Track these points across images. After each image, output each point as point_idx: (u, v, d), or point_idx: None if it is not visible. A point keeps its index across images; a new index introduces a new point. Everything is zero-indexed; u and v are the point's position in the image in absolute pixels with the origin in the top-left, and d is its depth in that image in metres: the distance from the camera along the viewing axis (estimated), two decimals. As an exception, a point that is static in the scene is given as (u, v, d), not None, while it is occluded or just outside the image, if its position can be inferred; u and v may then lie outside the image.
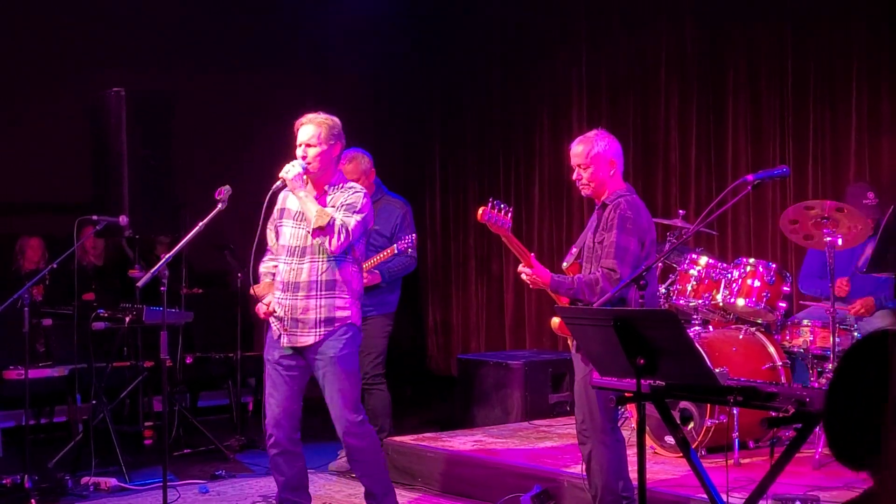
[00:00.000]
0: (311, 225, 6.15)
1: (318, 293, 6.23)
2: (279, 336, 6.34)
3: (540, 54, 12.16)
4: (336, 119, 6.36)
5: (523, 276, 5.98)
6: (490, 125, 12.68)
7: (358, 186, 6.42)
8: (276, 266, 6.46)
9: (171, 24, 11.76)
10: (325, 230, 6.11)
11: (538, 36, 12.18)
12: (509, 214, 5.97)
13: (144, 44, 11.55)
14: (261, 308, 6.42)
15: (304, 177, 6.25)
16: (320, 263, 6.23)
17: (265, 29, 12.45)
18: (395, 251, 7.88)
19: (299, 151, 6.28)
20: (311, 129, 6.26)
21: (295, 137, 6.35)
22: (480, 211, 5.93)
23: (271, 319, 6.38)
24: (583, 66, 11.66)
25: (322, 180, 6.33)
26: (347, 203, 6.22)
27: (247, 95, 12.14)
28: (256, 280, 6.63)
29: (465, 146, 12.95)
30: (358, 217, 6.20)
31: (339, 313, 6.25)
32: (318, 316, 6.23)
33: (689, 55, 10.70)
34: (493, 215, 5.94)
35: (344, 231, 6.12)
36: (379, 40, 13.05)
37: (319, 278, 6.23)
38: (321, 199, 6.28)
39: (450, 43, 13.12)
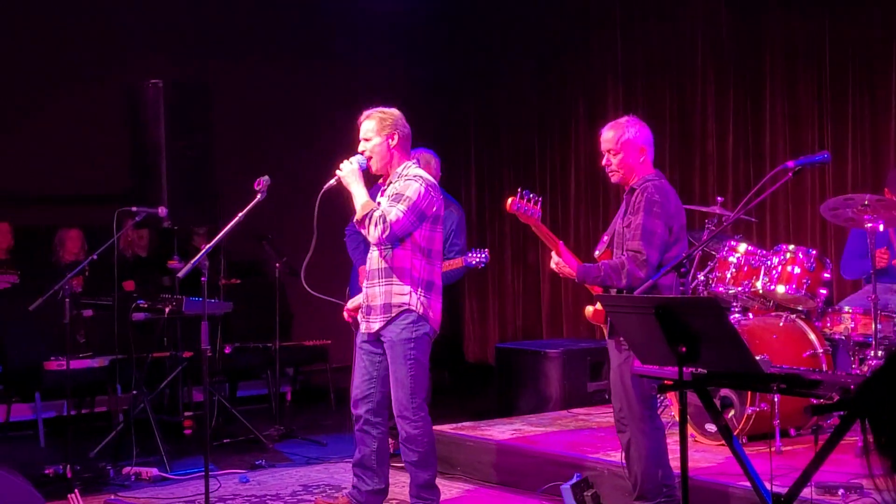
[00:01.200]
0: (357, 214, 6.30)
1: (380, 280, 6.38)
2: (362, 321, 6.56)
3: (575, 42, 12.11)
4: (391, 111, 6.46)
5: (553, 266, 6.00)
6: (525, 114, 12.65)
7: (417, 173, 6.40)
8: None
9: (208, 16, 11.81)
10: (359, 219, 6.26)
11: (573, 23, 12.14)
12: (538, 204, 5.97)
13: (182, 35, 11.59)
14: (347, 307, 6.72)
15: (360, 172, 6.36)
16: (379, 251, 6.37)
17: (300, 20, 12.46)
18: (464, 264, 7.91)
19: (360, 146, 6.42)
20: (366, 124, 6.40)
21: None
22: (509, 201, 5.95)
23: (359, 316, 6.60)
24: (618, 53, 11.62)
25: (386, 171, 6.43)
26: (395, 193, 6.30)
27: (283, 86, 12.17)
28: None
29: (499, 135, 12.92)
30: (402, 206, 6.22)
31: (396, 299, 6.33)
32: (380, 302, 6.37)
33: (725, 40, 10.63)
34: (522, 205, 5.94)
35: (381, 221, 6.18)
36: (412, 30, 13.04)
37: (380, 266, 6.37)
38: (387, 187, 6.42)
39: (484, 31, 13.09)
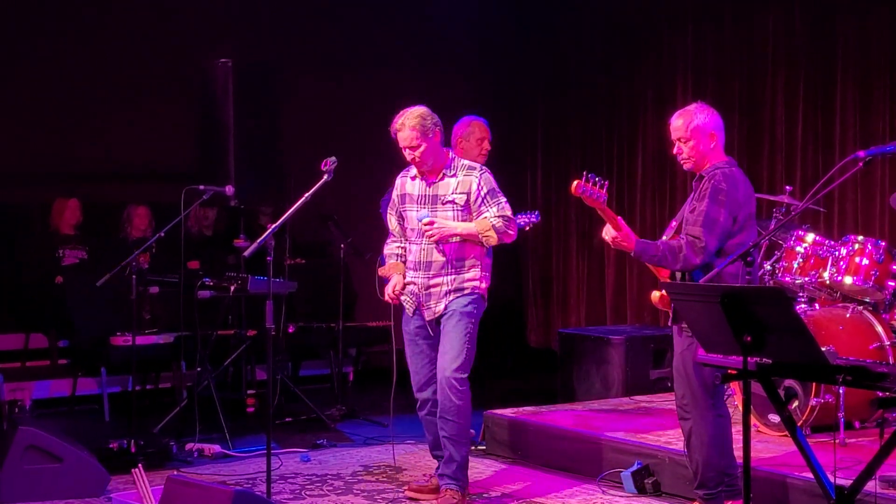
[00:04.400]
0: (487, 243, 6.46)
1: (448, 271, 6.48)
2: (414, 311, 6.60)
3: (645, 32, 12.01)
4: (423, 109, 6.49)
5: (606, 238, 5.95)
6: (594, 100, 12.56)
7: (474, 165, 6.61)
8: (399, 247, 6.72)
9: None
10: (499, 240, 6.45)
11: (644, 10, 12.04)
12: (604, 188, 5.94)
13: (252, 15, 11.63)
14: (387, 291, 6.65)
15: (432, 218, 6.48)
16: (448, 244, 6.48)
17: (371, 4, 12.45)
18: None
19: (407, 154, 6.48)
20: (408, 133, 6.42)
21: (393, 135, 6.52)
22: (574, 184, 5.92)
23: (402, 298, 6.62)
24: (688, 40, 11.50)
25: (438, 167, 6.53)
26: (487, 192, 6.47)
27: (353, 67, 12.17)
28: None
29: (567, 120, 12.85)
30: (503, 197, 6.51)
31: (468, 284, 6.50)
32: (449, 287, 6.48)
33: (798, 27, 10.50)
34: (588, 188, 5.91)
35: (506, 222, 6.46)
36: (483, 13, 13.00)
37: (449, 257, 6.47)
38: (441, 180, 6.52)
39: (555, 16, 13.01)
